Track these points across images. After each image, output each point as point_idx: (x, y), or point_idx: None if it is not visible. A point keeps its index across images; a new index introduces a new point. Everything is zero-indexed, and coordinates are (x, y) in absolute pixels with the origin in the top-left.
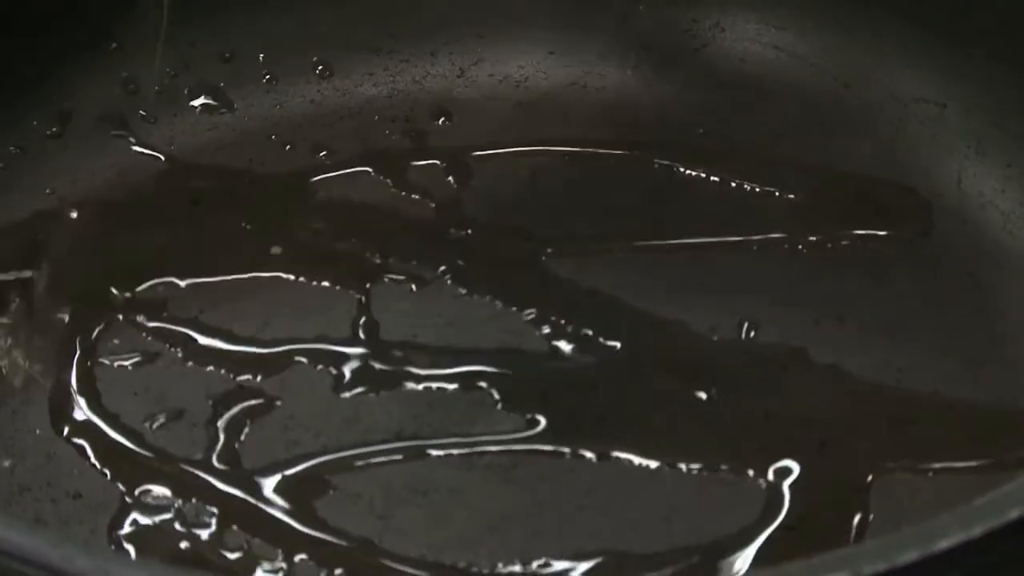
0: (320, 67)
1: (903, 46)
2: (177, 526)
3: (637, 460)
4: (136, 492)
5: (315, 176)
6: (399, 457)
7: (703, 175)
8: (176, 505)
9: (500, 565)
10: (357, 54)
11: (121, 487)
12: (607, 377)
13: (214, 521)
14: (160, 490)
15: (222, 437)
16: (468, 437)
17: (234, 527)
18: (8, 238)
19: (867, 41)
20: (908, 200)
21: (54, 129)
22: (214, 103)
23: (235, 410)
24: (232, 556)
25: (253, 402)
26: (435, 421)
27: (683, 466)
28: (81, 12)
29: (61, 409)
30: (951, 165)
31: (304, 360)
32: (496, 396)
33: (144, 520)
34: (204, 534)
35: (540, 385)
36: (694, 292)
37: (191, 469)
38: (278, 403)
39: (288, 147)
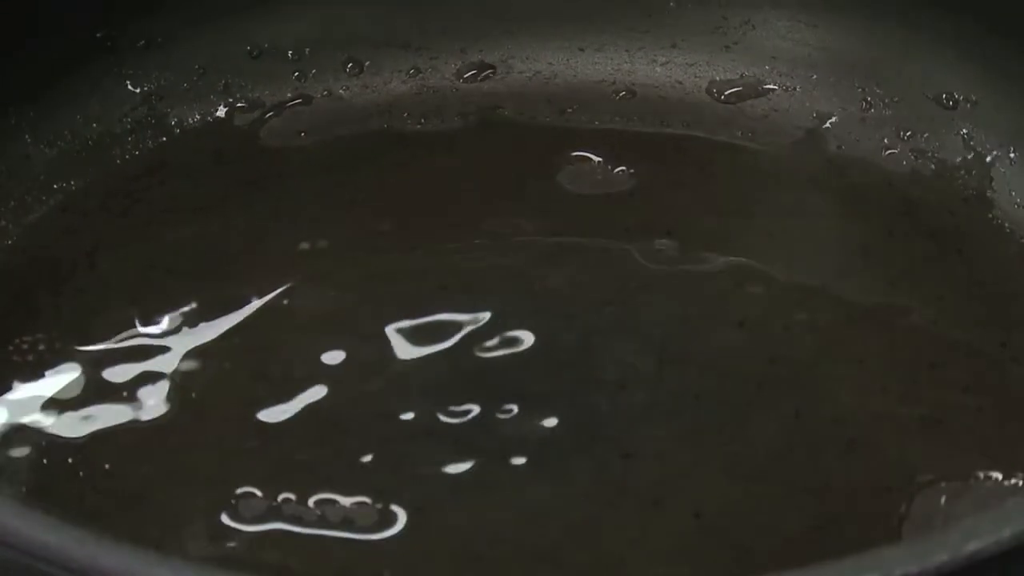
0: (350, 64)
1: (935, 43)
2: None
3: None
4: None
5: (345, 173)
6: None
7: (733, 171)
8: None
9: None
10: (387, 50)
11: None
12: (637, 373)
13: None
14: None
15: None
16: None
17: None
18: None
19: (899, 38)
20: (940, 198)
21: (84, 126)
22: (242, 100)
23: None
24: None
25: None
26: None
27: None
28: (110, 10)
29: None
30: (983, 163)
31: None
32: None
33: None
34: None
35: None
36: (721, 285)
37: None
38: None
39: (317, 144)
